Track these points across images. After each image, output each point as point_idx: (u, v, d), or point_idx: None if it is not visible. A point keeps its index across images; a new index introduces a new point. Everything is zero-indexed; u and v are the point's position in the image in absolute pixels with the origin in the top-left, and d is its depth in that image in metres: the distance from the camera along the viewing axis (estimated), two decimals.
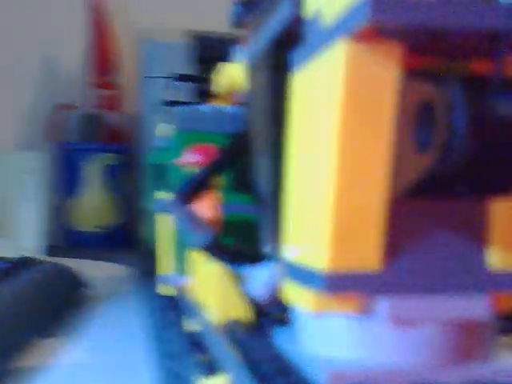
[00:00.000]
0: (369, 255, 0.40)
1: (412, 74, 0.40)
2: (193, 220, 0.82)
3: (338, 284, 0.39)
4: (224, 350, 0.61)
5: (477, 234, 0.43)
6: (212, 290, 0.68)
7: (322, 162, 0.40)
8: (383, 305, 0.41)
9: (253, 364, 0.48)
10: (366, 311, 0.42)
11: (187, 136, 1.03)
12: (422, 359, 0.42)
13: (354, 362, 0.42)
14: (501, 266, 0.43)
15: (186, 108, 1.04)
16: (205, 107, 1.05)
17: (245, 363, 0.50)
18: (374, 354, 0.42)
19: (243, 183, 1.09)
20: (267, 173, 0.62)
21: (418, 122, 0.38)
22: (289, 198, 0.47)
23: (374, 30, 0.35)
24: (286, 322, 0.56)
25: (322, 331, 0.45)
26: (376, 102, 0.38)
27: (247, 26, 0.67)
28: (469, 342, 0.44)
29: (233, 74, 1.06)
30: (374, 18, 0.33)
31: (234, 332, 0.59)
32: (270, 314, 0.63)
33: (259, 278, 0.68)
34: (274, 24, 0.53)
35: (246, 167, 1.09)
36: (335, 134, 0.38)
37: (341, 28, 0.36)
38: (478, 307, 0.42)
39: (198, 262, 0.81)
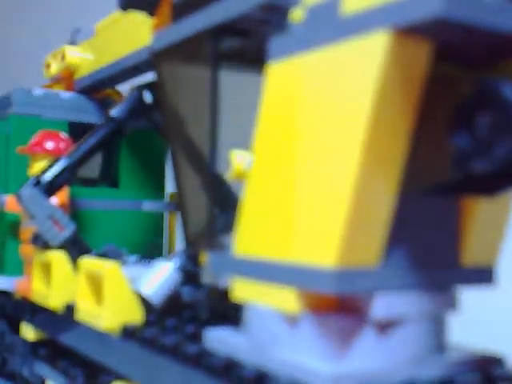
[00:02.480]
0: (375, 253, 0.40)
1: (450, 73, 0.40)
2: (53, 214, 0.75)
3: (346, 283, 0.38)
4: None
5: (453, 230, 0.45)
6: (101, 292, 0.63)
7: (337, 156, 0.38)
8: (379, 303, 0.41)
9: (218, 376, 0.45)
10: (355, 311, 0.42)
11: (23, 121, 0.93)
12: (405, 357, 0.43)
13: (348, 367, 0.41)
14: (473, 262, 0.46)
15: (20, 91, 0.94)
16: (41, 91, 0.96)
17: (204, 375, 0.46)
18: (364, 355, 0.42)
19: (107, 176, 1.02)
20: (185, 171, 0.59)
21: (457, 122, 0.38)
22: (264, 197, 0.44)
23: (429, 25, 0.34)
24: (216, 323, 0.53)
25: (301, 332, 0.43)
26: (403, 98, 0.37)
27: (151, 9, 0.63)
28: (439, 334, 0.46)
29: (72, 57, 0.99)
30: (445, 13, 0.33)
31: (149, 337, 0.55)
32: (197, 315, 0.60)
33: (154, 277, 0.64)
34: (222, 11, 0.50)
35: (110, 160, 1.02)
36: (361, 130, 0.36)
37: (384, 19, 0.35)
38: (447, 302, 0.45)
39: (60, 261, 0.74)
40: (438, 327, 0.46)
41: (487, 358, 0.47)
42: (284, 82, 0.44)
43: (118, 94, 1.04)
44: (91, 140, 0.78)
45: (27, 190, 0.76)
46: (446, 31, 0.36)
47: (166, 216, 1.03)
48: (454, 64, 0.42)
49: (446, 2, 0.33)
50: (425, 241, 0.44)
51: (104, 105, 0.99)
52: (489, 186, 0.38)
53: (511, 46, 0.38)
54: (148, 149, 1.02)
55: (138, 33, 0.80)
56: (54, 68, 1.03)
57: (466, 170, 0.37)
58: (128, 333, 0.59)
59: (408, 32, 0.36)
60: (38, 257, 0.79)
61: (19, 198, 0.77)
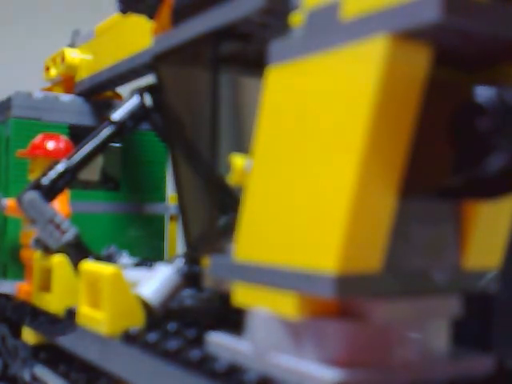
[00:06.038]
0: (376, 258, 0.40)
1: (450, 77, 0.41)
2: (54, 218, 0.75)
3: (347, 287, 0.38)
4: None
5: (455, 234, 0.45)
6: (102, 296, 0.63)
7: (337, 161, 0.38)
8: (381, 308, 0.41)
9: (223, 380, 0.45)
10: (356, 316, 0.42)
11: (23, 125, 0.93)
12: (408, 362, 0.43)
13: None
14: (474, 265, 0.46)
15: (20, 94, 0.94)
16: (41, 94, 0.96)
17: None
18: (367, 360, 0.42)
19: (108, 179, 1.02)
20: (186, 174, 0.59)
21: (457, 126, 0.38)
22: (264, 200, 0.44)
23: (428, 30, 0.34)
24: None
25: (302, 338, 0.43)
26: (403, 102, 0.37)
27: (151, 13, 0.63)
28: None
29: (72, 60, 0.99)
30: (445, 18, 0.33)
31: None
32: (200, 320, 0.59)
33: (154, 280, 0.64)
34: (222, 15, 0.50)
35: (110, 162, 1.02)
36: (361, 135, 0.36)
37: (383, 24, 0.35)
38: (449, 306, 0.45)
39: (60, 266, 0.74)
40: (440, 332, 0.46)
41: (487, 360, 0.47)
42: (284, 86, 0.44)
43: (119, 96, 1.04)
44: (91, 143, 0.78)
45: (27, 194, 0.75)
46: (445, 36, 0.36)
47: (167, 219, 1.03)
48: (454, 68, 0.42)
49: (444, 8, 0.33)
50: (426, 245, 0.44)
51: (104, 107, 0.99)
52: (490, 190, 0.38)
53: (510, 51, 0.38)
54: (148, 151, 1.02)
55: (138, 36, 0.80)
56: (54, 70, 1.02)
57: (467, 174, 0.37)
58: (129, 337, 0.59)
59: (407, 37, 0.36)
60: (39, 261, 0.79)
61: (19, 202, 0.76)
